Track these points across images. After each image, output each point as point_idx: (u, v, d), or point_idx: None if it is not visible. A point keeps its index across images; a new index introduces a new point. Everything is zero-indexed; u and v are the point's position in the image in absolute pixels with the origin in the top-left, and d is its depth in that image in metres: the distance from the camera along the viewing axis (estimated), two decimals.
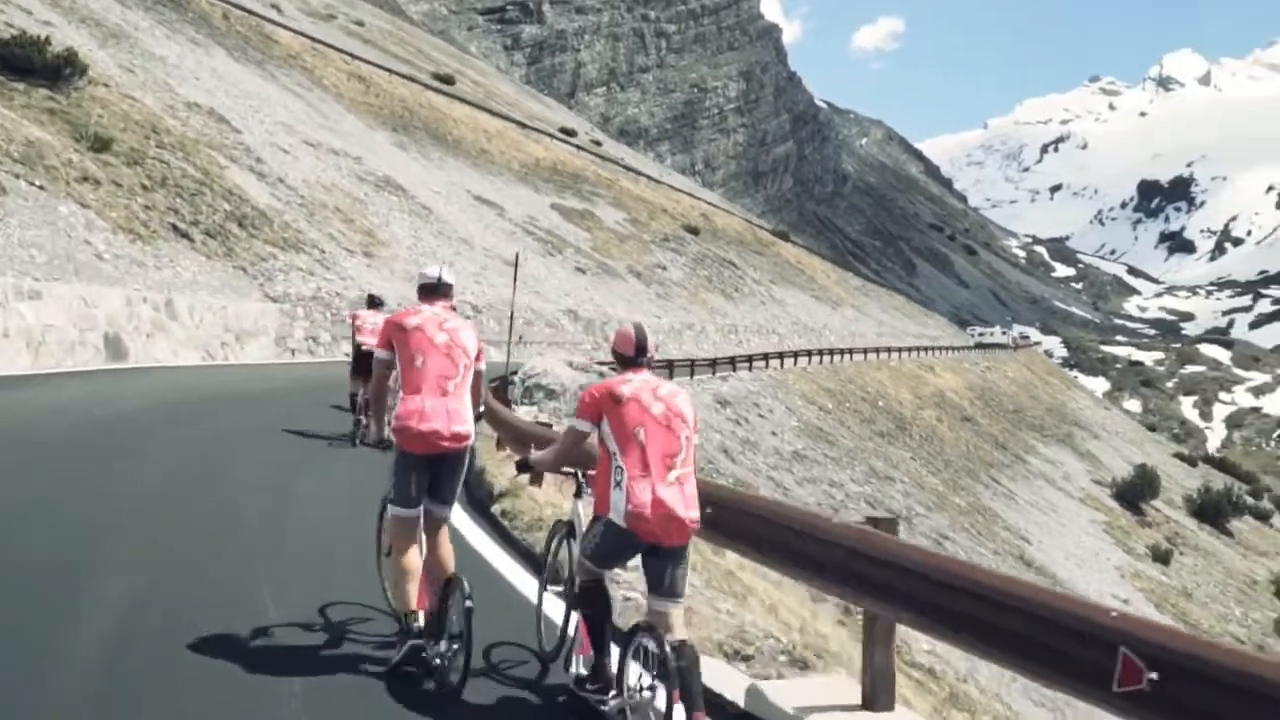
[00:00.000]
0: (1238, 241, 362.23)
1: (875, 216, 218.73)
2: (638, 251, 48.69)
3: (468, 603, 4.14)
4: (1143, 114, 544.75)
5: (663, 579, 4.09)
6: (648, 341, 4.32)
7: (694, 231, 59.92)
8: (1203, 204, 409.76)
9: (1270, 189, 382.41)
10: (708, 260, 54.85)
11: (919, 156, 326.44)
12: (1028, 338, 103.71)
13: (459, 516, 7.39)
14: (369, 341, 11.70)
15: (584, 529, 4.47)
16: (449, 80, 74.73)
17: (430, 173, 45.09)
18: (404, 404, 4.52)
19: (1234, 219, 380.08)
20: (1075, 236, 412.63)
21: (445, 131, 54.58)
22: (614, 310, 38.63)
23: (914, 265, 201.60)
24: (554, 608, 4.80)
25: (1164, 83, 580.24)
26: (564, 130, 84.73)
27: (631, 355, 4.29)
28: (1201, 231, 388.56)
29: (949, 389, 46.36)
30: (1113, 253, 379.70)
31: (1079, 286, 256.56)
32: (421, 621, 4.40)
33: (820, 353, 41.75)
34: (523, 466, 4.79)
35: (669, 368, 27.43)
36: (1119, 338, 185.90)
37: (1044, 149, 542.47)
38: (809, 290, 68.84)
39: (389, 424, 4.70)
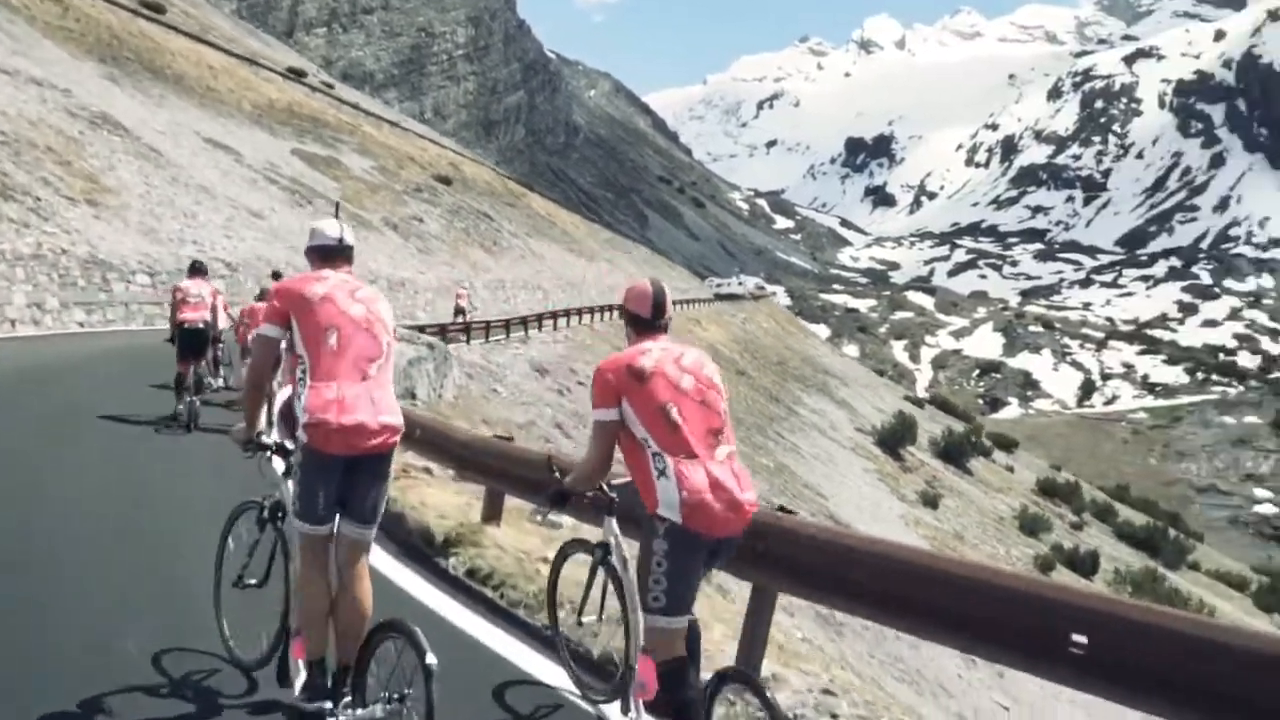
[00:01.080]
0: (933, 195, 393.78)
1: (607, 169, 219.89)
2: (391, 202, 45.23)
3: (428, 659, 3.00)
4: (847, 74, 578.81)
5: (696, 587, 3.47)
6: (666, 301, 3.67)
7: (445, 182, 56.72)
8: (902, 160, 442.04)
9: (959, 147, 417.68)
10: (464, 212, 51.99)
11: (645, 110, 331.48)
12: (764, 288, 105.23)
13: (411, 582, 5.21)
14: (192, 316, 10.96)
15: (625, 557, 3.76)
16: (159, 9, 66.80)
17: (151, 111, 39.64)
18: (315, 394, 3.50)
19: (929, 175, 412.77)
20: (790, 190, 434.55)
21: (163, 65, 48.40)
22: (377, 265, 35.44)
23: (646, 218, 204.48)
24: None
25: (865, 45, 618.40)
26: (292, 70, 78.22)
27: (648, 317, 3.62)
28: (902, 186, 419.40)
29: (718, 342, 46.35)
30: (824, 205, 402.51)
31: (798, 238, 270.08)
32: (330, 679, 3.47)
33: (602, 310, 40.45)
34: (560, 499, 3.72)
35: (465, 330, 25.31)
36: (836, 286, 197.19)
37: (760, 105, 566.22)
38: (563, 243, 67.29)
39: (277, 420, 3.91)
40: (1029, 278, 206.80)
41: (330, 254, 3.86)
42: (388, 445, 3.58)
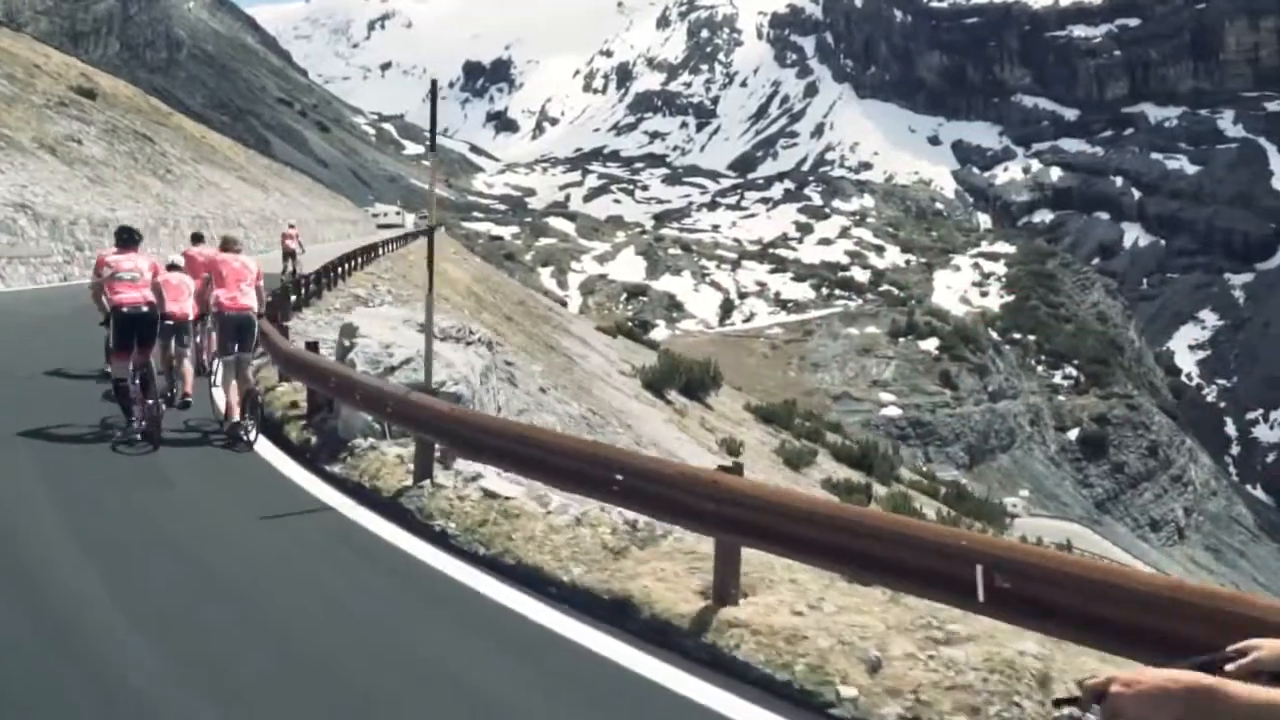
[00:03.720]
0: (554, 121, 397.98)
1: (219, 89, 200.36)
2: (36, 119, 36.74)
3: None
4: None
5: None
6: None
7: (89, 95, 47.40)
8: (522, 86, 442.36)
9: (576, 73, 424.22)
10: (121, 133, 43.52)
11: (254, 26, 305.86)
12: (425, 217, 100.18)
13: None
14: (132, 298, 9.27)
15: None
16: None
17: None
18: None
19: (549, 100, 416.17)
20: (411, 114, 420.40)
21: None
22: (61, 200, 28.36)
23: (268, 142, 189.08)
24: None
25: None
26: None
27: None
28: (523, 111, 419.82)
29: (469, 283, 42.59)
30: (445, 130, 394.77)
31: (429, 164, 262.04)
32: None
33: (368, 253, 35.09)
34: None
35: (299, 289, 20.49)
36: (476, 214, 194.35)
37: (371, 25, 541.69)
38: (232, 171, 59.24)
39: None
40: (660, 201, 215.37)
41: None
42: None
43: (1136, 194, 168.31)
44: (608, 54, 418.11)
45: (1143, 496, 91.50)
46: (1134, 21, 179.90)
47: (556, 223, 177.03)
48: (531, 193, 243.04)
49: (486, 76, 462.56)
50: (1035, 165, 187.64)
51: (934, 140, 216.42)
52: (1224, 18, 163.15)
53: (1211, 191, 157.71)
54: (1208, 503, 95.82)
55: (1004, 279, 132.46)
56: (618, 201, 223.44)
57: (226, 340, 10.05)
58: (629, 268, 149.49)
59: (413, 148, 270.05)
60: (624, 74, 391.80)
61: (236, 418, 9.49)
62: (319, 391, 9.99)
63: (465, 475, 7.38)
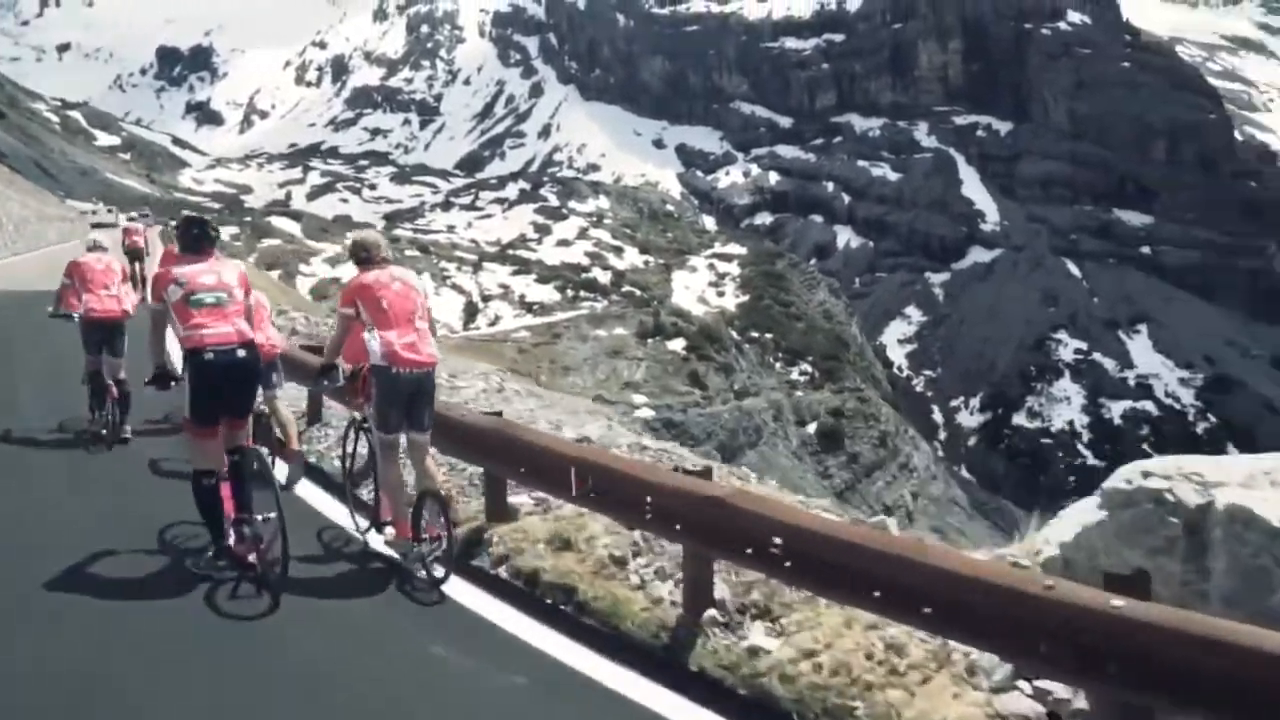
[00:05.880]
0: (264, 114, 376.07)
1: None
2: None
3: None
4: None
5: None
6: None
7: None
8: (226, 75, 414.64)
9: (287, 64, 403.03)
10: None
11: None
12: (148, 215, 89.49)
13: None
14: (221, 332, 6.16)
15: None
16: None
17: None
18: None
19: (258, 92, 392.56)
20: (95, 101, 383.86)
21: None
22: None
23: None
24: None
25: None
26: None
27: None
28: (228, 103, 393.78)
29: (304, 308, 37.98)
30: (140, 121, 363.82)
31: (127, 157, 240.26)
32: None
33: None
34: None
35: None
36: (186, 212, 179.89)
37: (44, 3, 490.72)
38: None
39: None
40: (390, 201, 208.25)
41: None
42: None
43: (847, 198, 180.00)
44: (321, 45, 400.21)
45: (876, 484, 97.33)
46: (839, 37, 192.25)
47: (280, 223, 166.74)
48: (248, 190, 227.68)
49: (185, 64, 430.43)
50: (755, 170, 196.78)
51: (659, 144, 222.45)
52: (917, 38, 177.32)
53: (911, 197, 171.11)
54: (930, 486, 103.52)
55: (738, 279, 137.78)
56: (345, 200, 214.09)
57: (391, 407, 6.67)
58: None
59: (106, 138, 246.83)
60: (340, 67, 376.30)
61: (411, 537, 6.39)
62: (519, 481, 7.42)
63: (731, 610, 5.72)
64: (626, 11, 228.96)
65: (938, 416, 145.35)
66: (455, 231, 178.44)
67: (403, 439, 6.60)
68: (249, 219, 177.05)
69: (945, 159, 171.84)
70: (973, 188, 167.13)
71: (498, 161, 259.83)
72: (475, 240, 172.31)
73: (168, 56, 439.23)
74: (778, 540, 4.80)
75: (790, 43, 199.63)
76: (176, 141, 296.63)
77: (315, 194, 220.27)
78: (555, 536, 6.68)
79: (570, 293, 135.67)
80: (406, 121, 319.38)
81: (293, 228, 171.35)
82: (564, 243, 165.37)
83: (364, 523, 7.10)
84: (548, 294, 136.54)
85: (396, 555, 6.54)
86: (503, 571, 6.62)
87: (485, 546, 6.94)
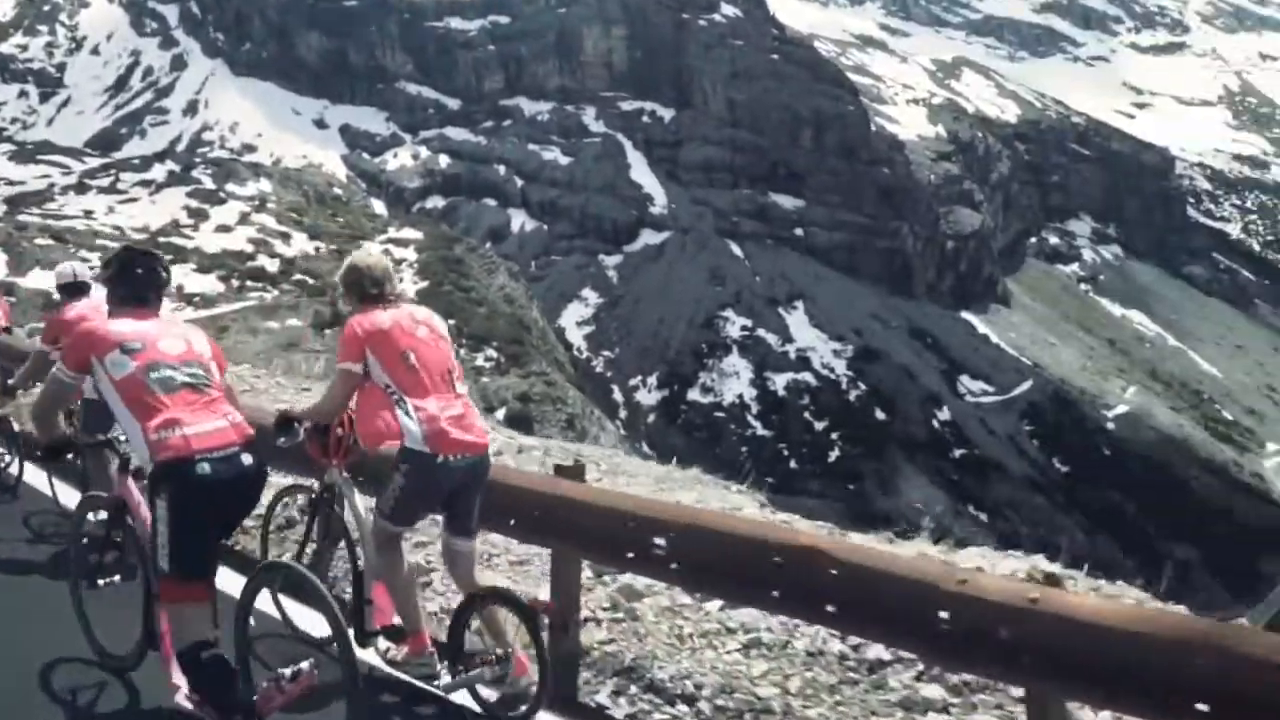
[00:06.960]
0: None
1: None
2: None
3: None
4: None
5: None
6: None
7: None
8: None
9: None
10: None
11: None
12: None
13: None
14: (213, 430, 4.12)
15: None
16: None
17: None
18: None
19: None
20: None
21: None
22: None
23: None
24: None
25: None
26: None
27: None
28: None
29: None
30: None
31: None
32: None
33: None
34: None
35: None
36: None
37: None
38: None
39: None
40: (11, 183, 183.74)
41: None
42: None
43: (519, 182, 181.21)
44: None
45: None
46: (505, 19, 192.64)
47: None
48: None
49: None
50: (424, 152, 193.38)
51: (320, 124, 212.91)
52: (582, 23, 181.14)
53: (583, 181, 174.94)
54: None
55: (415, 265, 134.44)
56: None
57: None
58: None
59: None
60: None
61: (436, 653, 4.68)
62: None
63: None
64: None
65: (618, 396, 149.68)
66: (94, 217, 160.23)
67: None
68: None
69: (613, 144, 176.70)
70: (641, 172, 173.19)
71: (137, 140, 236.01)
72: (120, 227, 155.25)
73: None
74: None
75: (455, 23, 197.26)
76: None
77: None
78: None
79: (236, 282, 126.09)
80: (23, 93, 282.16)
81: None
82: (224, 229, 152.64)
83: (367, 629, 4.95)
84: (210, 284, 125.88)
85: (413, 679, 4.70)
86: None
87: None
